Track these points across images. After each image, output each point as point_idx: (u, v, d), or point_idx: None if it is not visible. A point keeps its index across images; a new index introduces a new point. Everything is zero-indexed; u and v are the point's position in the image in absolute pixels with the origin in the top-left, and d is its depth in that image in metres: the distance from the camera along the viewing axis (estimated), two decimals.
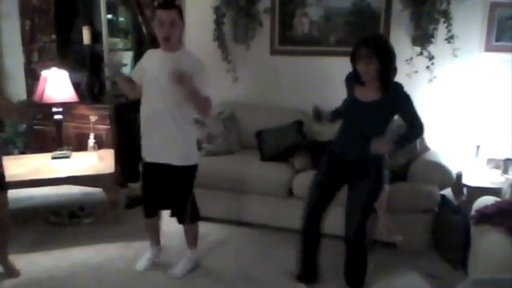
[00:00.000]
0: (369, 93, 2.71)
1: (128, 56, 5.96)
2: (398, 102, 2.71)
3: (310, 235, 3.00)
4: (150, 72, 2.92)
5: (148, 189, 3.15)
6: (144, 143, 3.05)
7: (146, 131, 3.01)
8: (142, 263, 3.30)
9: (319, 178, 2.95)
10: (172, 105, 2.87)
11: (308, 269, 3.06)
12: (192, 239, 3.28)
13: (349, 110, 2.83)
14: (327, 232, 3.33)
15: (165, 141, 2.93)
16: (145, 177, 3.15)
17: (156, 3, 3.73)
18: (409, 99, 2.72)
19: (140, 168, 3.20)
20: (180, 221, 3.16)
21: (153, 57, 2.97)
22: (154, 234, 3.35)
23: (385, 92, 2.67)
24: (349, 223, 2.88)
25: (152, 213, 3.24)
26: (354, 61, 2.70)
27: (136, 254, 3.45)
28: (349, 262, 2.97)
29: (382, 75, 2.65)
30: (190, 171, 3.04)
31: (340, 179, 2.89)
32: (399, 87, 2.74)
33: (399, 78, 3.89)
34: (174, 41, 2.84)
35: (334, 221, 3.06)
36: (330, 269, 3.14)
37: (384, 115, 2.74)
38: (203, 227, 3.87)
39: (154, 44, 4.37)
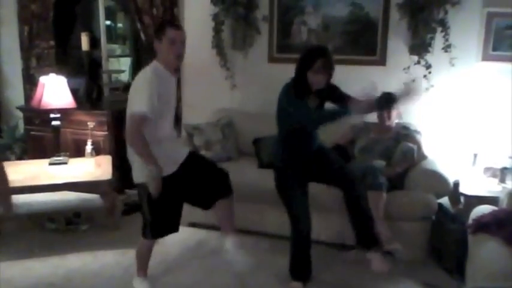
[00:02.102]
0: (314, 100, 2.96)
1: (126, 62, 5.99)
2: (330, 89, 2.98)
3: (309, 236, 3.09)
4: (166, 95, 2.81)
5: (172, 204, 2.92)
6: (166, 159, 2.78)
7: (167, 147, 2.84)
8: None
9: (296, 181, 3.09)
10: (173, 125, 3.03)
11: (306, 269, 3.15)
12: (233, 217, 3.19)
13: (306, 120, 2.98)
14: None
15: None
16: (167, 194, 2.78)
17: (157, 17, 3.54)
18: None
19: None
20: (228, 190, 3.10)
21: (165, 79, 2.82)
22: (148, 259, 3.10)
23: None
24: (342, 173, 3.10)
25: (169, 230, 2.99)
26: (306, 71, 2.86)
27: (133, 261, 3.44)
28: (361, 212, 3.10)
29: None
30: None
31: (307, 174, 3.11)
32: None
33: (397, 86, 3.93)
34: (182, 60, 2.90)
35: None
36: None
37: None
38: (200, 235, 3.89)
39: (152, 50, 4.39)
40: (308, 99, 2.94)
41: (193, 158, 3.04)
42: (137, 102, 2.64)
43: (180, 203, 3.00)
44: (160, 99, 2.69)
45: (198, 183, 2.97)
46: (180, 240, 3.27)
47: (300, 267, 3.15)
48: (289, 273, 3.16)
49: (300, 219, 3.05)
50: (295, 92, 2.93)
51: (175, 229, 3.02)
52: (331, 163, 3.17)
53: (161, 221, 2.93)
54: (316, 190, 3.18)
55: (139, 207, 2.95)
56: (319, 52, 2.85)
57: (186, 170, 2.91)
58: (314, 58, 2.82)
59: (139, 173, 2.78)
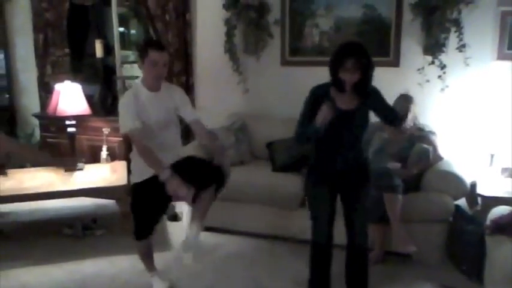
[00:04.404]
0: (349, 101, 2.74)
1: (139, 69, 6.01)
2: (376, 100, 2.79)
3: (328, 251, 2.93)
4: (146, 115, 2.84)
5: (153, 207, 3.00)
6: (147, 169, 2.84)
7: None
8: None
9: (318, 193, 2.90)
10: (173, 131, 3.02)
11: (323, 284, 2.99)
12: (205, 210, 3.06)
13: (333, 120, 2.74)
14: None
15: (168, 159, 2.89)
16: (148, 197, 2.94)
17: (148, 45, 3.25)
18: (381, 94, 2.82)
19: (133, 193, 3.04)
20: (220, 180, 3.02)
21: (142, 99, 2.86)
22: (152, 257, 3.21)
23: (364, 97, 2.73)
24: (355, 231, 2.85)
25: (151, 230, 3.08)
26: (336, 69, 2.69)
27: None
28: (356, 270, 2.91)
29: (363, 83, 2.68)
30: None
31: (332, 191, 2.88)
32: (375, 88, 2.79)
33: (411, 87, 3.92)
34: (162, 80, 2.92)
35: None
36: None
37: (365, 119, 2.81)
38: (215, 238, 3.89)
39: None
40: (340, 98, 2.74)
41: (186, 161, 3.02)
42: (125, 123, 2.80)
43: (161, 204, 3.03)
44: (142, 117, 2.81)
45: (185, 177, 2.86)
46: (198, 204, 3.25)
47: (316, 281, 2.98)
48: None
49: (318, 233, 2.89)
50: (337, 87, 2.76)
51: (155, 224, 3.09)
52: (353, 209, 2.88)
53: (143, 223, 3.04)
54: None
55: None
56: (347, 50, 2.68)
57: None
58: (341, 56, 2.66)
59: (133, 175, 3.01)
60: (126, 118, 2.79)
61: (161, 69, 2.83)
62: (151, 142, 2.82)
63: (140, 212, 3.01)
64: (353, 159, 2.82)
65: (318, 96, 2.76)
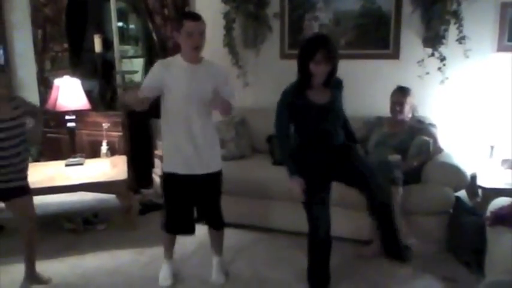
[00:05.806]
0: (321, 95, 2.82)
1: (138, 63, 6.02)
2: (340, 91, 2.93)
3: (329, 240, 2.96)
4: (177, 86, 2.83)
5: (182, 203, 3.03)
6: (175, 155, 2.93)
7: (177, 144, 2.90)
8: (167, 281, 3.21)
9: (311, 184, 2.89)
10: (204, 114, 2.92)
11: (325, 275, 3.01)
12: (220, 245, 3.26)
13: (311, 116, 2.84)
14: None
15: (198, 152, 2.90)
16: (176, 191, 3.00)
17: (168, 13, 3.37)
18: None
19: (162, 182, 3.09)
20: (217, 227, 3.17)
21: (176, 70, 2.85)
22: (172, 248, 3.26)
23: (331, 88, 2.83)
24: (372, 188, 2.93)
25: (181, 230, 3.14)
26: (307, 62, 2.73)
27: (150, 259, 3.47)
28: (388, 225, 3.02)
29: (331, 76, 2.78)
30: (219, 176, 3.06)
31: (323, 179, 2.95)
32: (339, 79, 2.89)
33: (411, 79, 3.91)
34: (201, 51, 2.87)
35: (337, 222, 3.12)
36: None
37: (340, 109, 2.94)
38: None
39: (164, 50, 4.41)
40: (312, 94, 2.82)
41: (211, 180, 3.01)
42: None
43: (190, 206, 3.08)
44: (170, 88, 2.83)
45: (198, 201, 3.07)
46: (197, 237, 3.27)
47: (317, 275, 2.99)
48: (307, 281, 3.01)
49: (317, 224, 2.90)
50: (299, 85, 2.85)
51: (188, 230, 3.12)
52: (355, 166, 2.97)
53: (173, 216, 3.08)
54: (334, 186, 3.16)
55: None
56: (320, 43, 2.72)
57: (198, 184, 2.96)
58: (315, 49, 2.69)
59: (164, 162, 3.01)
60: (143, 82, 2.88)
61: (197, 38, 2.78)
62: (177, 116, 2.87)
63: (170, 204, 3.05)
64: (336, 145, 2.93)
65: (291, 96, 2.87)
